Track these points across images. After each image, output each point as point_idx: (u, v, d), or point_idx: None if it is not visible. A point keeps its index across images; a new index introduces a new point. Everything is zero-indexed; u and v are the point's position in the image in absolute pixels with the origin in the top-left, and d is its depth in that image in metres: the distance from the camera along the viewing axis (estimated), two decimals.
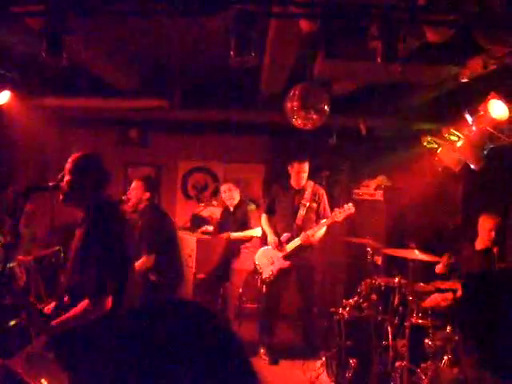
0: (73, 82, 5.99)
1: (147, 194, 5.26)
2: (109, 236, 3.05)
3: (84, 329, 2.92)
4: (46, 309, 3.23)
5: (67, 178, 3.07)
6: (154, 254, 5.03)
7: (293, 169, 6.02)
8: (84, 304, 2.88)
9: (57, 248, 6.41)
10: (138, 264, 5.03)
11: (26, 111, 6.08)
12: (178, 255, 5.52)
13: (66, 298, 3.22)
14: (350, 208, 5.77)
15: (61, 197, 3.09)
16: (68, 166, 3.10)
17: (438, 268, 5.64)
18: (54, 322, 2.90)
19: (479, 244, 5.35)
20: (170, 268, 5.25)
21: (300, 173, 5.98)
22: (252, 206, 6.84)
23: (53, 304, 3.30)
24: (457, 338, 4.67)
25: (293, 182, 6.07)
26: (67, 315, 2.92)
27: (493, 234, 5.22)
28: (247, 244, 6.59)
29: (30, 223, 6.92)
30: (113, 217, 3.22)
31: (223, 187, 6.88)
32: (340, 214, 5.78)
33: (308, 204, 5.98)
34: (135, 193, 5.26)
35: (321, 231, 5.96)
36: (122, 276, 3.09)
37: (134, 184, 5.31)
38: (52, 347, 2.96)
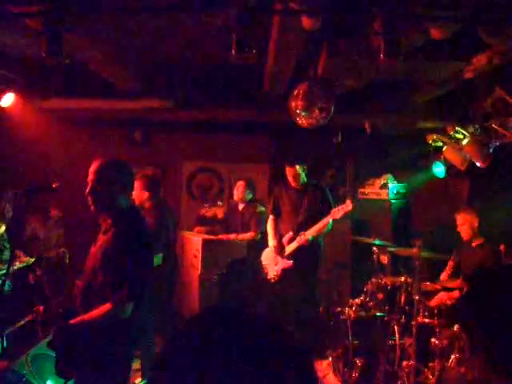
0: (76, 84, 5.99)
1: (146, 194, 5.21)
2: (140, 242, 3.05)
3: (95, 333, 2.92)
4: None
5: (96, 187, 3.03)
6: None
7: (286, 173, 6.02)
8: (107, 307, 2.86)
9: (62, 249, 6.41)
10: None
11: (29, 113, 6.09)
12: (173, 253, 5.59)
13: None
14: (347, 205, 5.73)
15: (92, 208, 3.07)
16: (93, 175, 3.05)
17: (443, 276, 5.63)
18: (73, 321, 2.89)
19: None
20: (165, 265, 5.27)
21: (290, 176, 5.97)
22: (262, 208, 6.81)
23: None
24: (464, 336, 4.65)
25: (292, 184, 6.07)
26: (88, 315, 2.90)
27: (464, 227, 5.39)
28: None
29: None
30: (140, 222, 3.23)
31: (238, 183, 6.92)
32: (338, 212, 5.74)
33: (310, 203, 5.96)
34: (135, 193, 5.21)
35: (325, 228, 5.92)
36: (146, 282, 3.09)
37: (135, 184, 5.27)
38: (58, 350, 2.95)
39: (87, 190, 3.06)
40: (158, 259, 4.98)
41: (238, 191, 6.81)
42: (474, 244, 5.40)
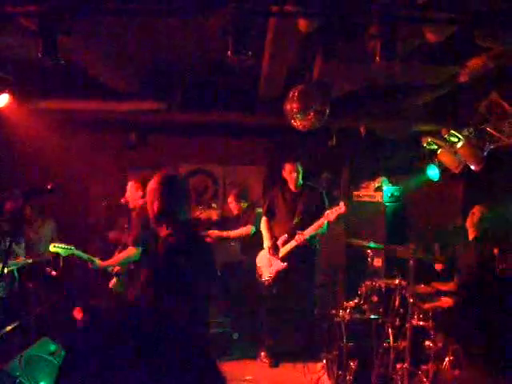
0: (72, 85, 5.97)
1: (140, 193, 5.35)
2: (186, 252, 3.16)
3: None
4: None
5: (156, 203, 3.15)
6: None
7: (285, 171, 6.04)
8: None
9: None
10: None
11: (24, 114, 6.06)
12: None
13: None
14: (340, 207, 5.76)
15: (152, 220, 3.21)
16: (153, 189, 3.19)
17: (438, 265, 5.64)
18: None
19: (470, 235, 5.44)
20: None
21: (292, 173, 5.99)
22: (259, 210, 6.81)
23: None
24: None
25: (290, 185, 6.07)
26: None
27: (475, 218, 5.34)
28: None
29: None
30: (194, 235, 3.39)
31: (229, 199, 7.02)
32: (332, 214, 5.77)
33: (306, 206, 5.97)
34: (129, 194, 5.39)
35: (321, 229, 5.92)
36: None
37: (128, 185, 5.44)
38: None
39: (148, 206, 3.21)
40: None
41: (232, 206, 6.87)
42: (470, 237, 5.41)
